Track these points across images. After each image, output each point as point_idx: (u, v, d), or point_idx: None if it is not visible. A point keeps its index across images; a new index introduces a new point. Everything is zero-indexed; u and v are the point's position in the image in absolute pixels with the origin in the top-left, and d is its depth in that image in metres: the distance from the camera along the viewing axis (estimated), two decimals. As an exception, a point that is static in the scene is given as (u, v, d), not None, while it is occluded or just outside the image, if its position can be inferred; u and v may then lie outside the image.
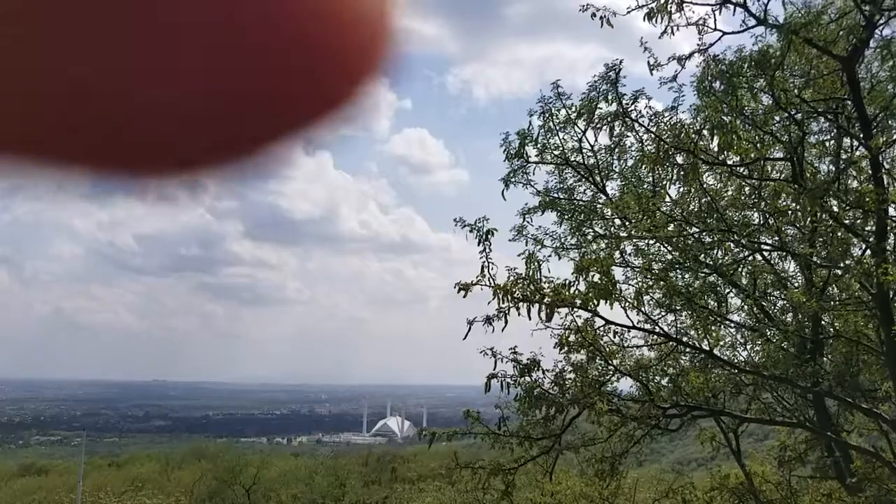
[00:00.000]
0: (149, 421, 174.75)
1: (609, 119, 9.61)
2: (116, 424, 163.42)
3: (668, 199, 10.34)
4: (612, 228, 10.70)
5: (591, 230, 10.98)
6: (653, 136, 9.27)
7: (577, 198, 10.98)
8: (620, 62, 9.47)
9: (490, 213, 8.82)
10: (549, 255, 10.48)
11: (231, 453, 50.49)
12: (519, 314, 8.05)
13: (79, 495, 36.07)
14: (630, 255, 10.67)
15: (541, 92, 10.31)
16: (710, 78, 9.10)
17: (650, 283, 9.88)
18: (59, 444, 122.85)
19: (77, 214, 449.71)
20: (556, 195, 10.80)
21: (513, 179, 10.39)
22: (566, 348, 8.61)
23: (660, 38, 9.15)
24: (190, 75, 0.47)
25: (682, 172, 8.96)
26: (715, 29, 9.20)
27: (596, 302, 8.26)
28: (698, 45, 9.23)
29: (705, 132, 8.76)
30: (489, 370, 8.89)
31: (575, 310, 8.42)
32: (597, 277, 8.08)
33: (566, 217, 10.91)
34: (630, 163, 10.71)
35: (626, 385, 10.42)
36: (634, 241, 9.94)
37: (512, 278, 8.14)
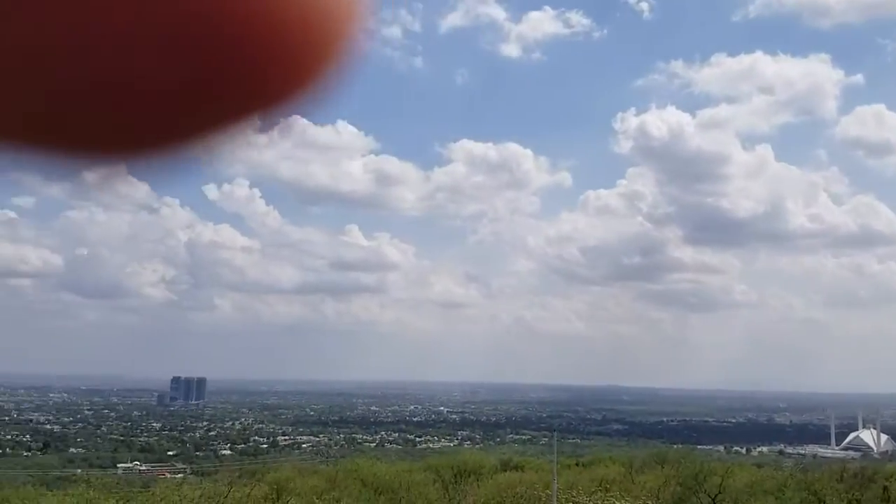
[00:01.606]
0: (606, 424, 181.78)
1: None
2: (577, 427, 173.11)
3: None
4: None
5: None
6: None
7: None
8: None
9: None
10: None
11: (691, 460, 49.96)
12: None
13: (554, 492, 38.81)
14: None
15: None
16: None
17: None
18: (530, 443, 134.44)
19: (530, 233, 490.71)
20: None
21: None
22: None
23: None
24: (147, 47, 0.45)
25: None
26: None
27: None
28: None
29: None
30: None
31: None
32: None
33: None
34: None
35: None
36: None
37: None
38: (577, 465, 53.52)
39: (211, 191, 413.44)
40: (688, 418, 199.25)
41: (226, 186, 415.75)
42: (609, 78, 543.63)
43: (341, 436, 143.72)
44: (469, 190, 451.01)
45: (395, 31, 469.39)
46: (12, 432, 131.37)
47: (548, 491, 39.39)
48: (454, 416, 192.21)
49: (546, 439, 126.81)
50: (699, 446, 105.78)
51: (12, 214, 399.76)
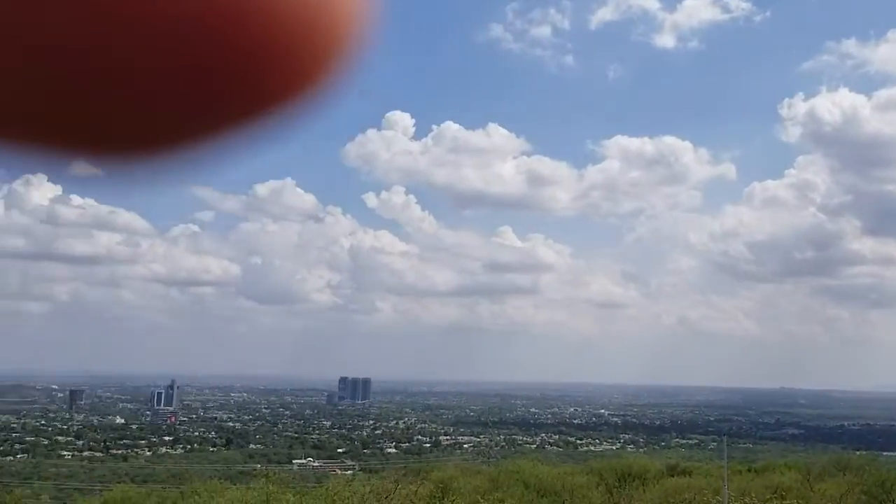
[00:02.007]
0: (780, 429, 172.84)
1: None
2: (748, 431, 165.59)
3: None
4: None
5: None
6: None
7: None
8: None
9: None
10: None
11: (876, 467, 46.67)
12: None
13: (725, 498, 37.44)
14: None
15: None
16: None
17: None
18: (697, 447, 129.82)
19: (692, 228, 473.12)
20: None
21: None
22: None
23: None
24: (152, 45, 0.44)
25: None
26: None
27: None
28: None
29: None
30: None
31: None
32: None
33: None
34: None
35: None
36: None
37: None
38: (749, 470, 51.23)
39: (370, 199, 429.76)
40: (871, 422, 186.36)
41: (384, 194, 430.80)
42: (773, 63, 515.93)
43: (501, 437, 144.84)
44: (624, 187, 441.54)
45: (544, 31, 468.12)
46: (199, 429, 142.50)
47: (718, 497, 38.13)
48: (615, 419, 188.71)
49: (715, 444, 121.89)
50: (885, 453, 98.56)
51: (195, 228, 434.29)
